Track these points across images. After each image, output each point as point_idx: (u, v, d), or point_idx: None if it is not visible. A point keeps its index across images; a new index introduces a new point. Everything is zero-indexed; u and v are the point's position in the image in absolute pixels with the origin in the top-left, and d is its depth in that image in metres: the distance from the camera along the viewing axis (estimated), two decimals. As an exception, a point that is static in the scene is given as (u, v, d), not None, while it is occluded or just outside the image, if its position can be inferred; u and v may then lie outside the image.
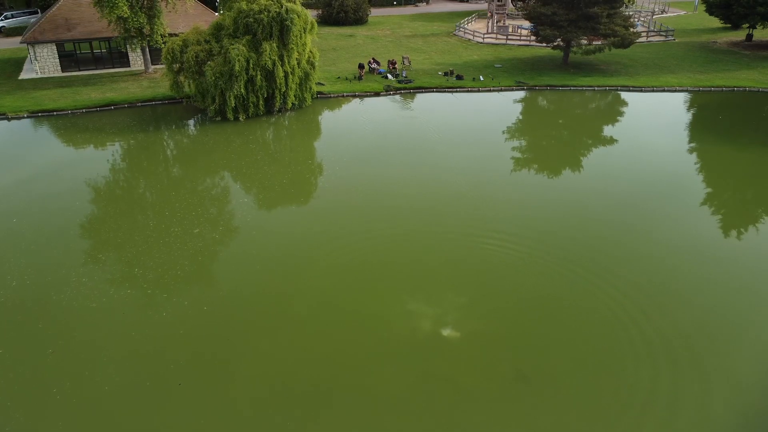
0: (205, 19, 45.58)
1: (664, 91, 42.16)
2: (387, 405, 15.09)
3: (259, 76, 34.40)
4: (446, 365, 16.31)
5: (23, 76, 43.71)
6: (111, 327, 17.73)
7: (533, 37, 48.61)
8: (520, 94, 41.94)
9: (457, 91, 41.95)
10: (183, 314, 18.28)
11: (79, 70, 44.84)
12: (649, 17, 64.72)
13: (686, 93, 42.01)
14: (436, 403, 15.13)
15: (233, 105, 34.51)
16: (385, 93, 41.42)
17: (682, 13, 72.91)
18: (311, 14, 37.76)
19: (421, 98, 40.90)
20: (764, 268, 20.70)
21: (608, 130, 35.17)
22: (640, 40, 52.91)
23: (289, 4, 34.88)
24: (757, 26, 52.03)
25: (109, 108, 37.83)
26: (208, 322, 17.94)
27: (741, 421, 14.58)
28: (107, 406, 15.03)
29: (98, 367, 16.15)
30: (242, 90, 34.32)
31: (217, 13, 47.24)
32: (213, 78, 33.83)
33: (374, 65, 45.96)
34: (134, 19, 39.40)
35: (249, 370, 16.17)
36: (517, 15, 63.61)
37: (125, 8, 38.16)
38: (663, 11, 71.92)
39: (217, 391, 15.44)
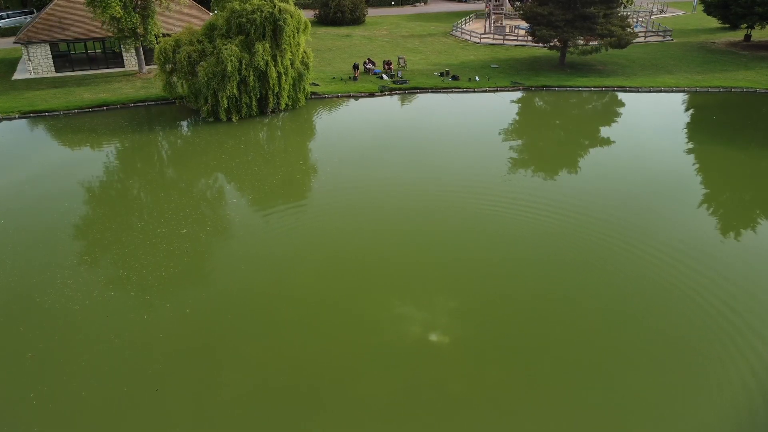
0: (200, 19, 45.32)
1: (661, 91, 41.85)
2: (377, 410, 14.82)
3: (251, 77, 34.14)
4: (436, 371, 15.99)
5: (17, 76, 43.50)
6: (92, 330, 17.47)
7: (530, 38, 48.32)
8: (517, 94, 41.64)
9: (452, 92, 41.67)
10: (165, 317, 18.03)
11: (73, 71, 44.58)
12: (647, 17, 64.41)
13: (684, 93, 41.70)
14: (425, 409, 14.85)
15: (226, 106, 34.26)
16: (380, 93, 41.15)
17: (681, 13, 72.59)
18: (308, 14, 37.51)
19: (416, 99, 40.62)
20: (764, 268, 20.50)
21: (605, 131, 34.87)
22: (638, 40, 52.60)
23: (282, 4, 34.62)
24: (755, 26, 51.68)
25: (101, 109, 37.59)
26: (190, 325, 17.67)
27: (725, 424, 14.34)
28: (85, 411, 14.75)
29: (77, 372, 15.89)
30: (235, 91, 34.06)
31: (211, 13, 47.00)
32: (205, 78, 33.59)
33: (369, 66, 45.70)
34: (128, 20, 39.15)
35: (231, 374, 15.88)
36: (515, 15, 63.31)
37: (118, 8, 37.93)
38: (661, 11, 71.62)
39: (197, 396, 15.16)
